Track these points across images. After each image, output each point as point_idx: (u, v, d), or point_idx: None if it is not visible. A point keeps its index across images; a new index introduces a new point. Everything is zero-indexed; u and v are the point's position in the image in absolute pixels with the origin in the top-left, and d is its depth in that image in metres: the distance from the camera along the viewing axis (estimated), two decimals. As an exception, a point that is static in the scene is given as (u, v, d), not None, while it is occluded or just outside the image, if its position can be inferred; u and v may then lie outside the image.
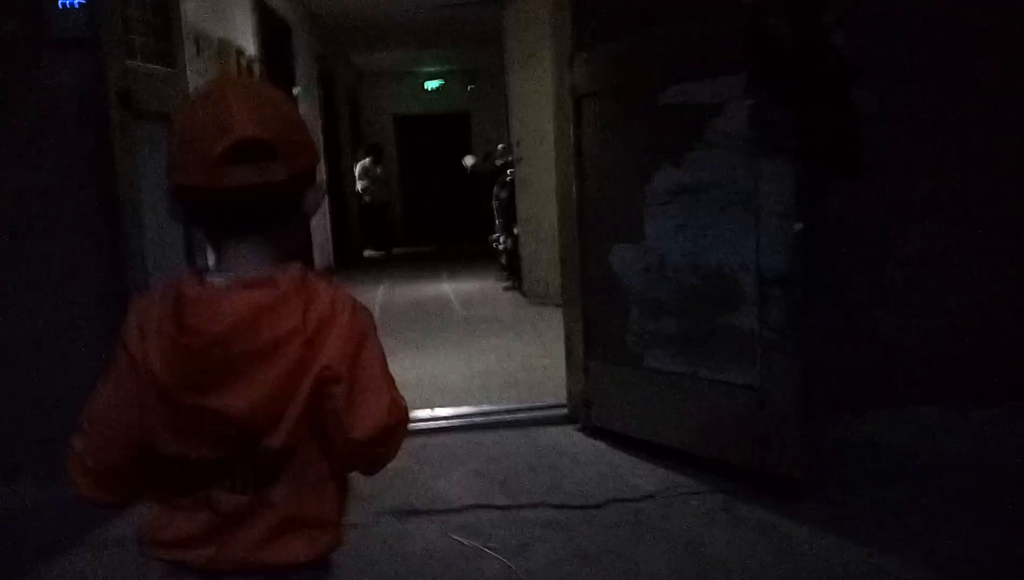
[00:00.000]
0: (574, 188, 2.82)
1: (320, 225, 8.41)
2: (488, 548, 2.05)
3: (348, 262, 9.58)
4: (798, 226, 2.17)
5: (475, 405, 3.22)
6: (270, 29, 6.39)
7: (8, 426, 2.69)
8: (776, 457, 2.29)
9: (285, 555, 0.91)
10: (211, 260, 0.99)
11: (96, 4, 2.48)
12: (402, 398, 0.96)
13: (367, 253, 11.01)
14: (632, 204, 2.60)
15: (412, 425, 2.94)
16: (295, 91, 7.80)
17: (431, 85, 12.08)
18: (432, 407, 3.17)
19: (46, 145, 2.63)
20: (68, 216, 2.65)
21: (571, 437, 2.85)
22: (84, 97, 2.55)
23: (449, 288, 7.07)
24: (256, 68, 6.29)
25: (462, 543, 2.09)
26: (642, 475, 2.49)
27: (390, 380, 0.95)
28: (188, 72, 4.71)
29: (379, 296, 6.80)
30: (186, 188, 0.91)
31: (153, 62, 2.72)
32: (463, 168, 8.52)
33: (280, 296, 0.89)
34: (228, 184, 0.88)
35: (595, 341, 2.84)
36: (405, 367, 3.91)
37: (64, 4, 2.54)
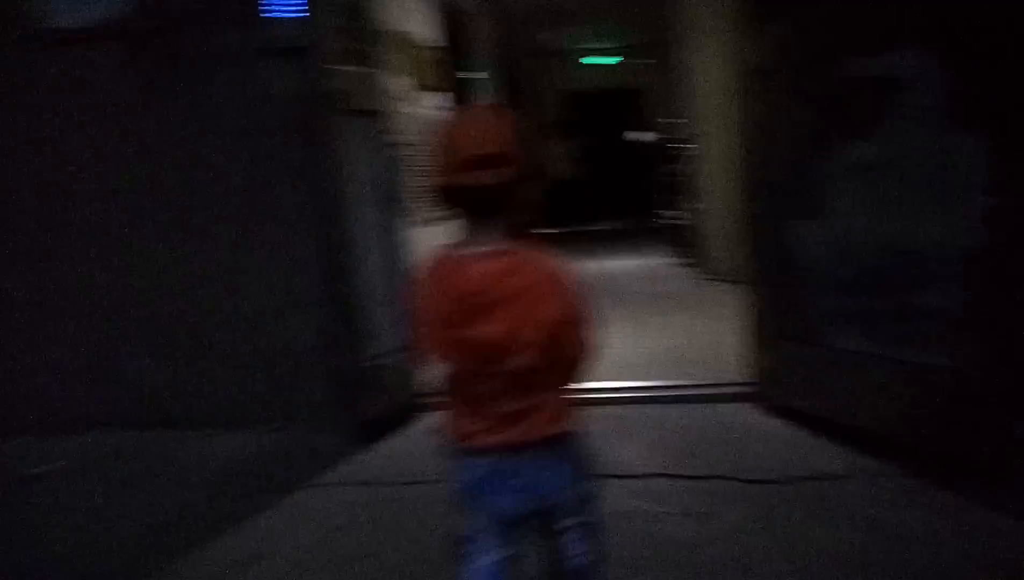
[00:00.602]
0: (757, 164, 2.82)
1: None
2: (669, 513, 2.16)
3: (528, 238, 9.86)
4: (994, 201, 2.07)
5: (655, 379, 3.31)
6: (452, 19, 6.70)
7: (242, 382, 3.14)
8: (971, 443, 2.21)
9: (556, 429, 1.35)
10: (460, 235, 1.37)
11: (308, 15, 2.79)
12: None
13: (546, 230, 11.22)
14: (818, 179, 2.57)
15: (597, 395, 3.07)
16: (480, 76, 8.14)
17: (607, 61, 12.07)
18: (615, 380, 3.30)
19: (272, 141, 3.01)
20: (290, 205, 3.02)
21: (752, 414, 2.88)
22: (305, 98, 2.89)
23: (626, 264, 7.13)
24: (442, 58, 6.66)
25: (645, 507, 2.21)
26: (825, 455, 2.48)
27: (592, 317, 1.35)
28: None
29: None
30: (447, 185, 1.31)
31: (357, 65, 3.01)
32: (634, 144, 8.50)
33: (516, 262, 1.30)
34: (475, 183, 1.28)
35: (778, 318, 2.83)
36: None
37: (280, 16, 2.89)
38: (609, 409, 3.03)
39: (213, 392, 3.16)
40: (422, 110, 5.97)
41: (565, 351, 1.33)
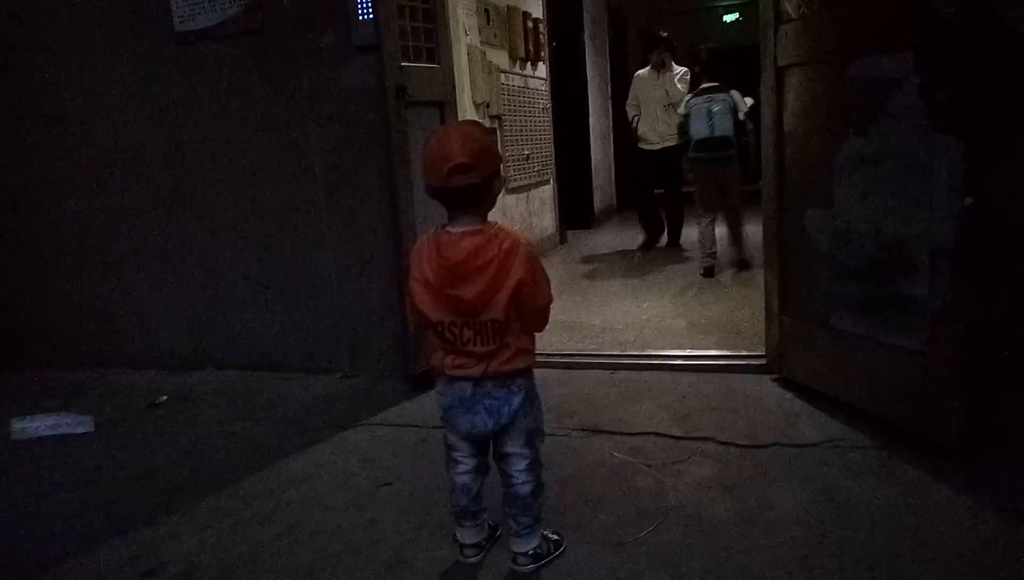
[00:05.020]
0: (774, 152, 2.99)
1: (603, 165, 8.98)
2: (647, 466, 2.49)
3: (628, 201, 9.96)
4: (968, 200, 2.20)
5: (677, 349, 3.58)
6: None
7: (322, 334, 3.69)
8: (937, 422, 2.38)
9: (515, 365, 1.82)
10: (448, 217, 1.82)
11: (381, 17, 3.20)
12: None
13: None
14: (824, 170, 2.73)
15: (620, 361, 3.40)
16: (584, 37, 8.27)
17: (728, 18, 11.80)
18: (643, 348, 3.59)
19: (350, 127, 3.48)
20: (364, 181, 3.50)
21: (763, 385, 3.10)
22: (374, 90, 3.33)
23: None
24: (541, 27, 6.92)
25: (628, 460, 2.54)
26: (814, 425, 2.70)
27: (546, 277, 1.82)
28: (478, 41, 5.47)
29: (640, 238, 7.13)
30: (431, 186, 1.76)
31: (423, 61, 3.41)
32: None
33: (487, 239, 1.73)
34: (451, 186, 1.71)
35: (789, 298, 3.03)
36: (626, 310, 4.44)
37: (362, 17, 3.32)
38: (628, 373, 3.35)
39: (301, 342, 3.74)
40: (516, 80, 6.31)
41: (525, 307, 1.77)
